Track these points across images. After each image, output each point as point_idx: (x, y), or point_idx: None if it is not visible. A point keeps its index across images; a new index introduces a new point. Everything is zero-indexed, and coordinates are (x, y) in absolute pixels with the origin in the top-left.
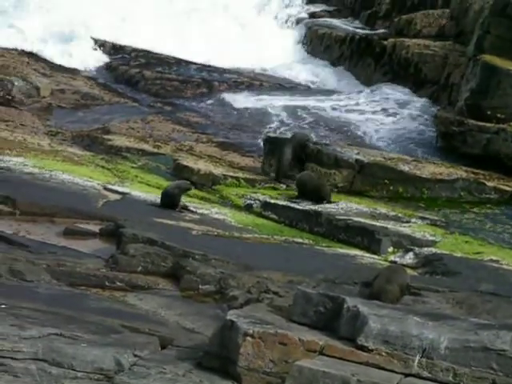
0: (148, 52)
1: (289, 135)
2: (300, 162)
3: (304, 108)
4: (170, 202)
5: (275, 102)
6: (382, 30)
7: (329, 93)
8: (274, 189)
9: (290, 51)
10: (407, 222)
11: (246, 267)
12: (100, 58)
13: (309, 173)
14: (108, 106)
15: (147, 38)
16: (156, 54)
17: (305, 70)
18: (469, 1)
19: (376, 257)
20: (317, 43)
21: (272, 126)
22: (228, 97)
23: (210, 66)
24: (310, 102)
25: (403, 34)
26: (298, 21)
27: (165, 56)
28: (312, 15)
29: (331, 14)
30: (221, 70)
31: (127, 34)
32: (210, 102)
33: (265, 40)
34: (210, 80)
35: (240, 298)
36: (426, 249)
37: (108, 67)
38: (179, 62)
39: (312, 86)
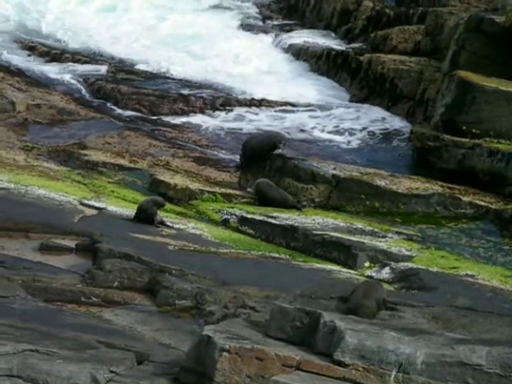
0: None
1: None
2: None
3: (281, 121)
4: (144, 217)
5: (253, 117)
6: (357, 45)
7: (305, 108)
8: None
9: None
10: (383, 236)
11: (222, 282)
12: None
13: (266, 180)
14: (84, 121)
15: None
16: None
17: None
18: (444, 17)
19: (352, 272)
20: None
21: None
22: (205, 112)
23: (187, 81)
24: (288, 117)
25: (379, 49)
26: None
27: (141, 71)
28: (289, 30)
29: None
30: (197, 85)
31: None
32: (186, 117)
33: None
34: (187, 95)
35: (217, 313)
36: (402, 264)
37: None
38: (155, 77)
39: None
